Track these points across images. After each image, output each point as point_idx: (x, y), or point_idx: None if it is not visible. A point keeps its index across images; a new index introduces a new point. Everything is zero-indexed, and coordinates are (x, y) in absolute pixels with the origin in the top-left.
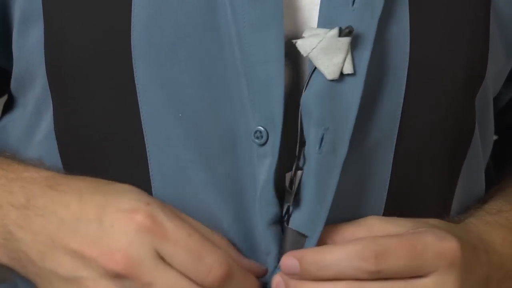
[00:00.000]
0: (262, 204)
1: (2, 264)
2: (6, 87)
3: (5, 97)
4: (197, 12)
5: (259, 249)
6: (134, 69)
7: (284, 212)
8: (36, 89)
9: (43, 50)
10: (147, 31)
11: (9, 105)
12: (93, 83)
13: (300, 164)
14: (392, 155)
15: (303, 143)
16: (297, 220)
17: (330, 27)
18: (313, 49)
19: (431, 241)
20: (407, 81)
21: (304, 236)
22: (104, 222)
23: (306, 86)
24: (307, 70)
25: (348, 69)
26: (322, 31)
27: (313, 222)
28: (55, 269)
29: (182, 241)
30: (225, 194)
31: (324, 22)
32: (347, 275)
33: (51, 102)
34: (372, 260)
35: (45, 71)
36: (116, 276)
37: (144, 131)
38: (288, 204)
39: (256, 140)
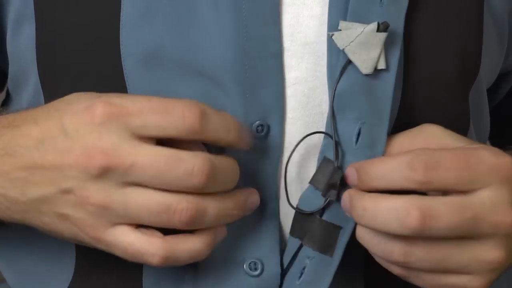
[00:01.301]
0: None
1: None
2: (3, 86)
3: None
4: (184, 8)
5: None
6: (124, 67)
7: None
8: (29, 88)
9: (35, 50)
10: (135, 29)
11: (6, 103)
12: (83, 83)
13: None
14: None
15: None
16: (333, 213)
17: (359, 21)
18: (350, 42)
19: (485, 155)
20: (402, 77)
21: (338, 228)
22: (68, 131)
23: (339, 81)
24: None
25: (382, 65)
26: (358, 25)
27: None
28: (38, 194)
29: (145, 107)
30: None
31: (353, 16)
32: (398, 185)
33: (43, 101)
34: (421, 170)
35: (37, 71)
36: (100, 173)
37: None
38: (329, 198)
39: (257, 134)
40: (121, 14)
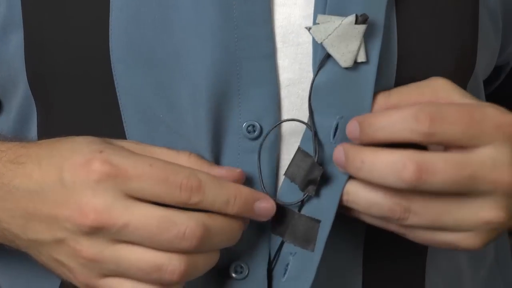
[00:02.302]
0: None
1: None
2: None
3: None
4: (173, 10)
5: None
6: (114, 73)
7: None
8: (18, 95)
9: (23, 57)
10: (125, 34)
11: None
12: (73, 89)
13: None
14: None
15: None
16: (311, 208)
17: (338, 14)
18: (328, 35)
19: (491, 112)
20: (396, 73)
21: (317, 222)
22: (66, 182)
23: (317, 74)
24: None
25: (362, 57)
26: (336, 18)
27: (327, 209)
28: (36, 237)
29: (144, 174)
30: None
31: (332, 9)
32: (401, 137)
33: (35, 109)
34: (426, 122)
35: (26, 78)
36: (92, 230)
37: (126, 133)
38: (308, 194)
39: (248, 134)
40: (110, 20)
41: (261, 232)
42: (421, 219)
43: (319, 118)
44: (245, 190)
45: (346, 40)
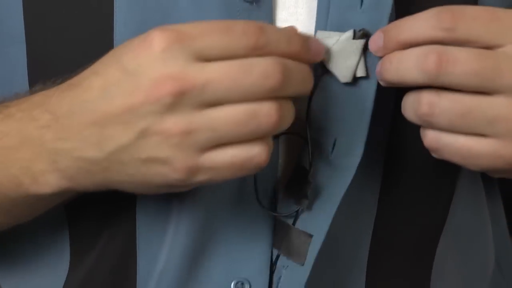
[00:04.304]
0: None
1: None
2: None
3: None
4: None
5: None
6: None
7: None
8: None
9: (27, 72)
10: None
11: None
12: None
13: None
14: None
15: (310, 146)
16: (304, 221)
17: (339, 30)
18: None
19: None
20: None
21: (309, 236)
22: (130, 69)
23: (315, 89)
24: None
25: (361, 72)
26: (335, 34)
27: (321, 223)
28: (116, 145)
29: (206, 30)
30: None
31: (333, 25)
32: (424, 36)
33: None
34: (448, 18)
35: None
36: (174, 100)
37: None
38: (300, 207)
39: None
40: (114, 33)
41: (262, 248)
42: (449, 115)
43: (318, 133)
44: (296, 29)
45: (344, 56)
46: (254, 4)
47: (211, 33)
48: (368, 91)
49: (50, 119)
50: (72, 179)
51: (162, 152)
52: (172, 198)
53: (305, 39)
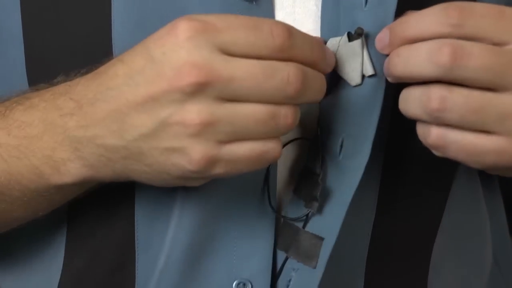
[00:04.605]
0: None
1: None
2: None
3: None
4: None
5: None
6: None
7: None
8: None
9: (25, 71)
10: (128, 44)
11: None
12: None
13: (317, 170)
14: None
15: (320, 149)
16: (315, 224)
17: (344, 29)
18: None
19: None
20: None
21: (321, 239)
22: (155, 57)
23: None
24: None
25: (369, 71)
26: (335, 40)
27: (332, 225)
28: (137, 133)
29: (233, 24)
30: None
31: (338, 24)
32: (431, 32)
33: None
34: (455, 13)
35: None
36: (196, 89)
37: None
38: (311, 210)
39: None
40: (112, 32)
41: (264, 248)
42: (460, 111)
43: (324, 135)
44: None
45: (348, 59)
46: (254, 3)
47: (238, 28)
48: (377, 90)
49: (74, 107)
50: (93, 167)
51: (181, 142)
52: (175, 195)
53: (324, 48)
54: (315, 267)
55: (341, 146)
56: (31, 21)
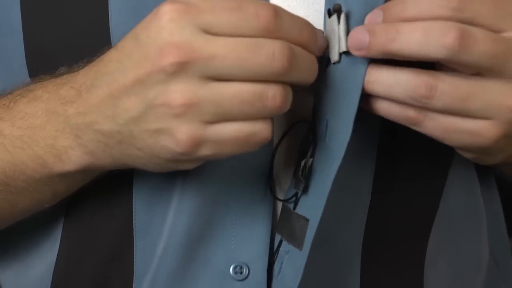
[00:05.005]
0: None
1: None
2: None
3: None
4: None
5: None
6: None
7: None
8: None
9: (25, 62)
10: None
11: None
12: None
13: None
14: None
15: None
16: (303, 205)
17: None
18: None
19: None
20: None
21: (306, 220)
22: (141, 39)
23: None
24: None
25: (342, 47)
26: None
27: (317, 207)
28: (128, 116)
29: (216, 5)
30: None
31: (328, 5)
32: (430, 14)
33: None
34: None
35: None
36: (177, 68)
37: None
38: (297, 190)
39: None
40: (110, 20)
41: (260, 232)
42: (447, 99)
43: (316, 118)
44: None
45: (330, 37)
46: None
47: (221, 9)
48: (357, 67)
49: (74, 95)
50: (93, 154)
51: (166, 123)
52: (175, 181)
53: (314, 31)
54: (301, 249)
55: (326, 126)
56: (30, 13)
